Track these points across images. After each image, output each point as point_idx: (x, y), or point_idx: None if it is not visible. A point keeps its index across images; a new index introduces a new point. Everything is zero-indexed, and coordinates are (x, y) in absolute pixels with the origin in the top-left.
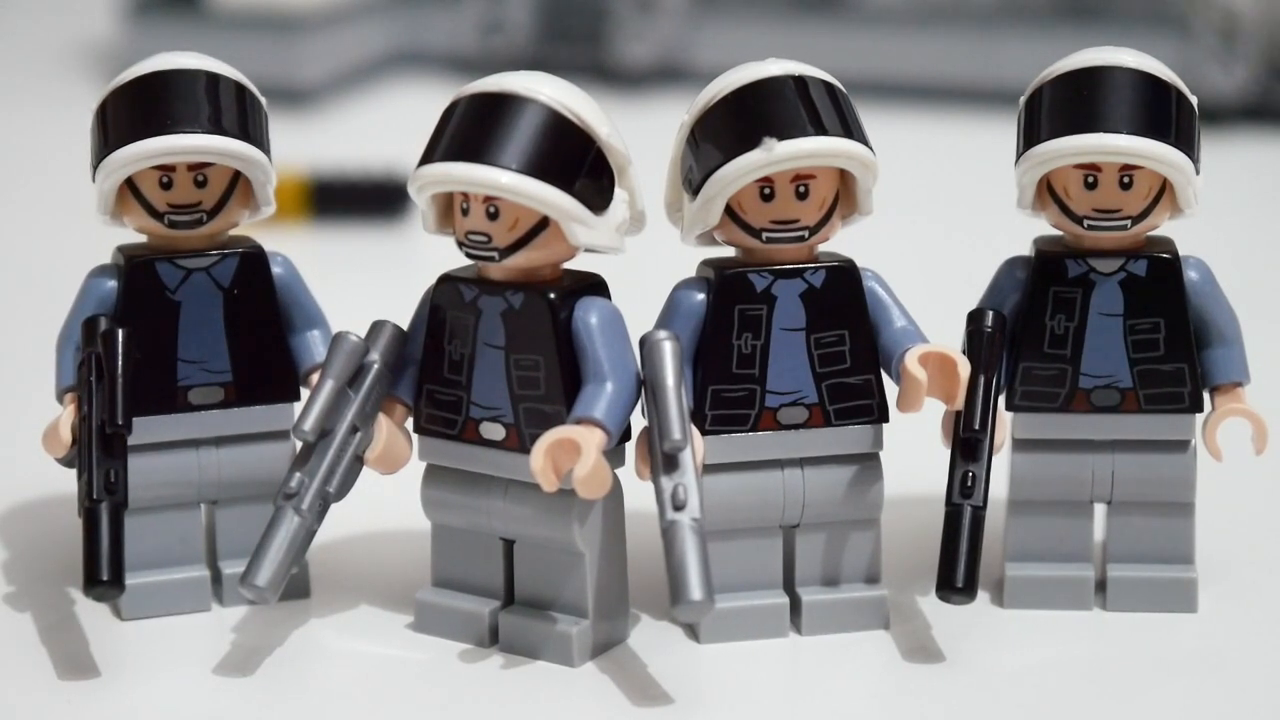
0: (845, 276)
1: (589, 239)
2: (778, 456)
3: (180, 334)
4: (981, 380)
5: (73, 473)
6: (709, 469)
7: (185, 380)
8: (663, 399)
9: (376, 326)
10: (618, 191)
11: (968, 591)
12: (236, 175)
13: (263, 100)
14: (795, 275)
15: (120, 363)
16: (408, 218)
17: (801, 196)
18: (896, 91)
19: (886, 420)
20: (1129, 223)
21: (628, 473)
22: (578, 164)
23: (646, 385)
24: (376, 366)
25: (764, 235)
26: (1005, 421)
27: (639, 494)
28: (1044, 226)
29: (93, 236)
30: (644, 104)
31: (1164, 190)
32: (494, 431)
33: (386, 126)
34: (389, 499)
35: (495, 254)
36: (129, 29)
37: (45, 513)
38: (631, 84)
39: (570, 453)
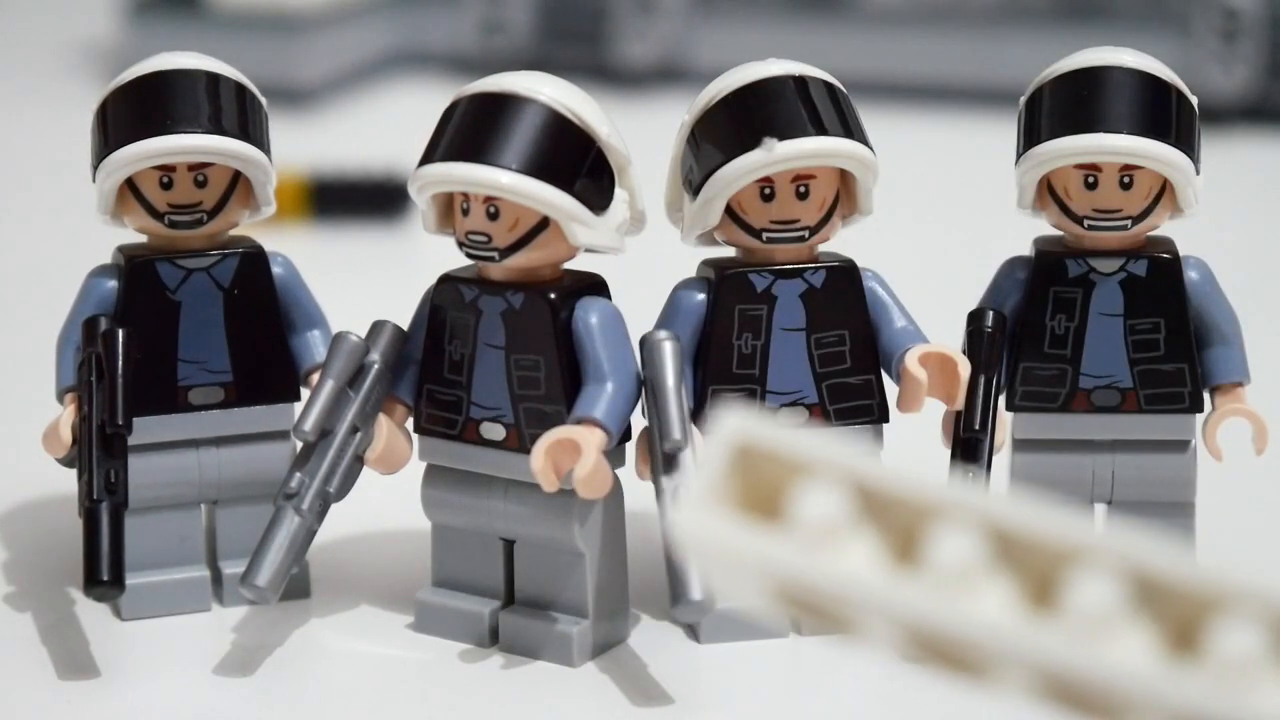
0: (845, 276)
1: (589, 239)
2: None
3: (180, 334)
4: (981, 380)
5: (73, 473)
6: None
7: (185, 380)
8: (663, 399)
9: (376, 326)
10: (618, 191)
11: None
12: (236, 175)
13: (263, 100)
14: (795, 275)
15: (120, 363)
16: (408, 218)
17: (802, 196)
18: (896, 91)
19: (886, 420)
20: (1129, 223)
21: (628, 473)
22: (578, 164)
23: (647, 385)
24: (377, 366)
25: (764, 235)
26: (1005, 421)
27: (639, 494)
28: (1044, 226)
29: (93, 236)
30: (644, 104)
31: (1164, 190)
32: (494, 431)
33: (386, 126)
34: (389, 499)
35: (495, 254)
36: (129, 29)
37: (45, 513)
38: (631, 84)
39: (570, 453)
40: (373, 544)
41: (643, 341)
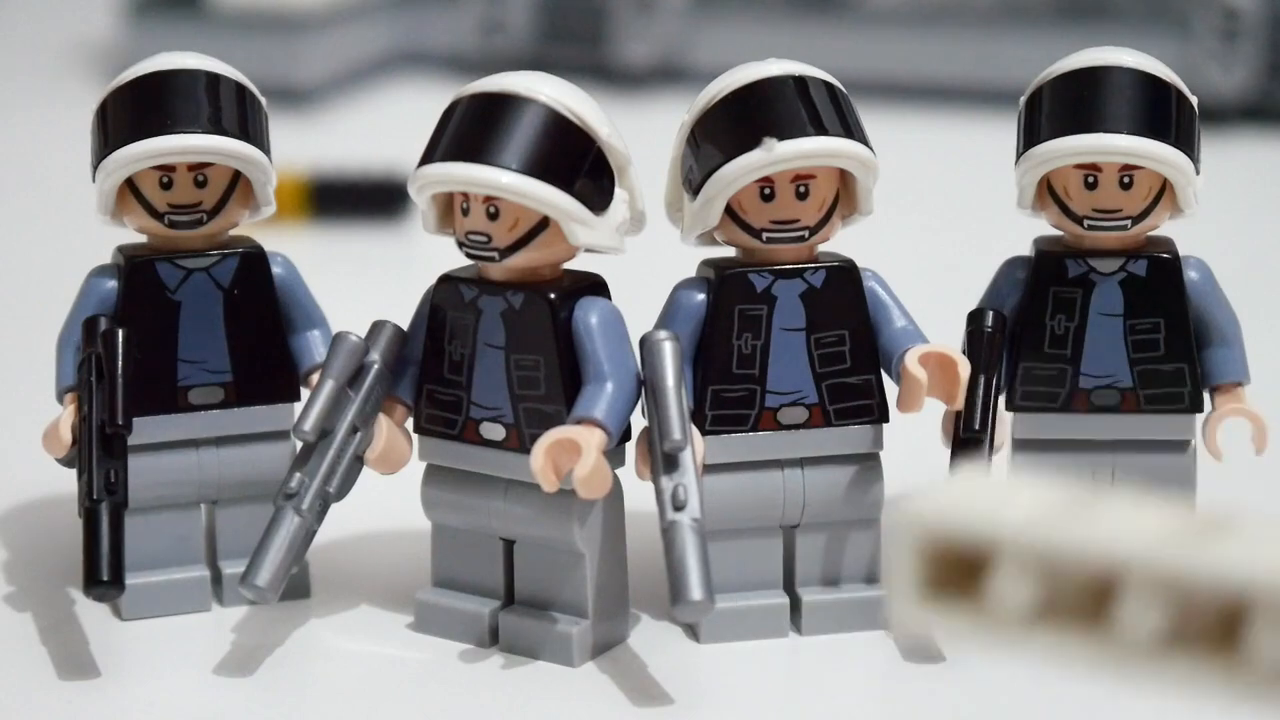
0: (845, 276)
1: (589, 239)
2: (778, 457)
3: (180, 334)
4: (981, 380)
5: (73, 473)
6: (709, 469)
7: (185, 380)
8: (663, 399)
9: (376, 326)
10: (618, 192)
11: None
12: (236, 175)
13: (263, 100)
14: (795, 275)
15: (120, 363)
16: (408, 218)
17: (802, 196)
18: (896, 91)
19: (886, 420)
20: (1129, 223)
21: (628, 473)
22: (578, 164)
23: (646, 385)
24: (377, 367)
25: (764, 235)
26: (1005, 421)
27: (639, 494)
28: (1044, 226)
29: (93, 236)
30: (644, 104)
31: (1164, 190)
32: (494, 431)
33: (386, 126)
34: (389, 499)
35: (495, 254)
36: (129, 29)
37: (45, 513)
38: (631, 84)
39: (570, 453)
40: (373, 544)
41: (643, 341)
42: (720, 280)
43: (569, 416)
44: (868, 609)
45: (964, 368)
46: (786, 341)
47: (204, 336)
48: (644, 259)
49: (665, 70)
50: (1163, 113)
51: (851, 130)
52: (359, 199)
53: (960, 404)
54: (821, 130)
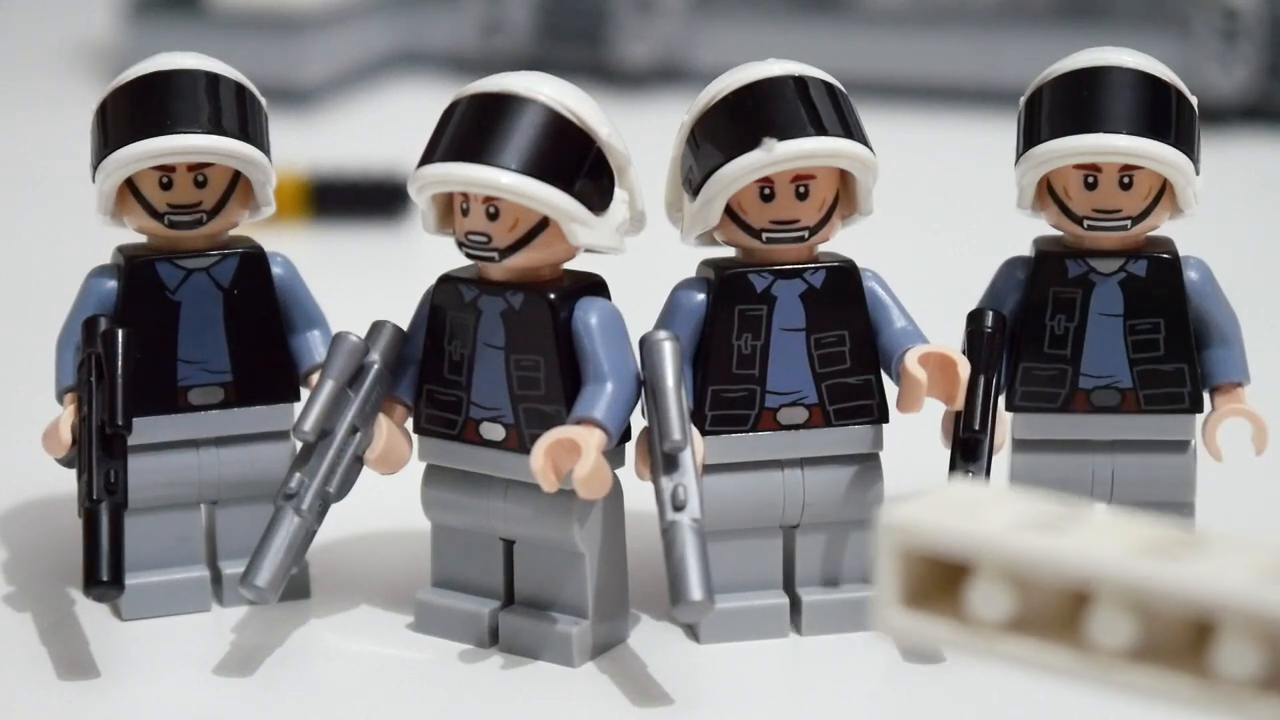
0: (845, 277)
1: (589, 239)
2: (778, 457)
3: (180, 334)
4: (981, 380)
5: (73, 473)
6: (709, 469)
7: (185, 380)
8: (663, 399)
9: (376, 327)
10: (618, 192)
11: None
12: (236, 175)
13: (263, 100)
14: (795, 275)
15: (120, 363)
16: (408, 218)
17: (801, 197)
18: (896, 91)
19: (886, 420)
20: (1129, 223)
21: (628, 473)
22: (578, 164)
23: (646, 385)
24: (376, 367)
25: (764, 235)
26: (1005, 421)
27: (639, 494)
28: (1044, 226)
29: (93, 236)
30: (644, 104)
31: (1164, 190)
32: (494, 432)
33: (386, 126)
34: (389, 499)
35: (495, 254)
36: (129, 29)
37: (45, 513)
38: (631, 84)
39: (570, 453)
40: (373, 544)
41: (642, 341)
42: (720, 280)
43: (569, 417)
44: (868, 609)
45: (964, 368)
46: (786, 342)
47: (204, 337)
48: (644, 259)
49: (665, 70)
50: (1163, 113)
51: (851, 130)
52: (359, 199)
53: (960, 404)
54: (821, 130)
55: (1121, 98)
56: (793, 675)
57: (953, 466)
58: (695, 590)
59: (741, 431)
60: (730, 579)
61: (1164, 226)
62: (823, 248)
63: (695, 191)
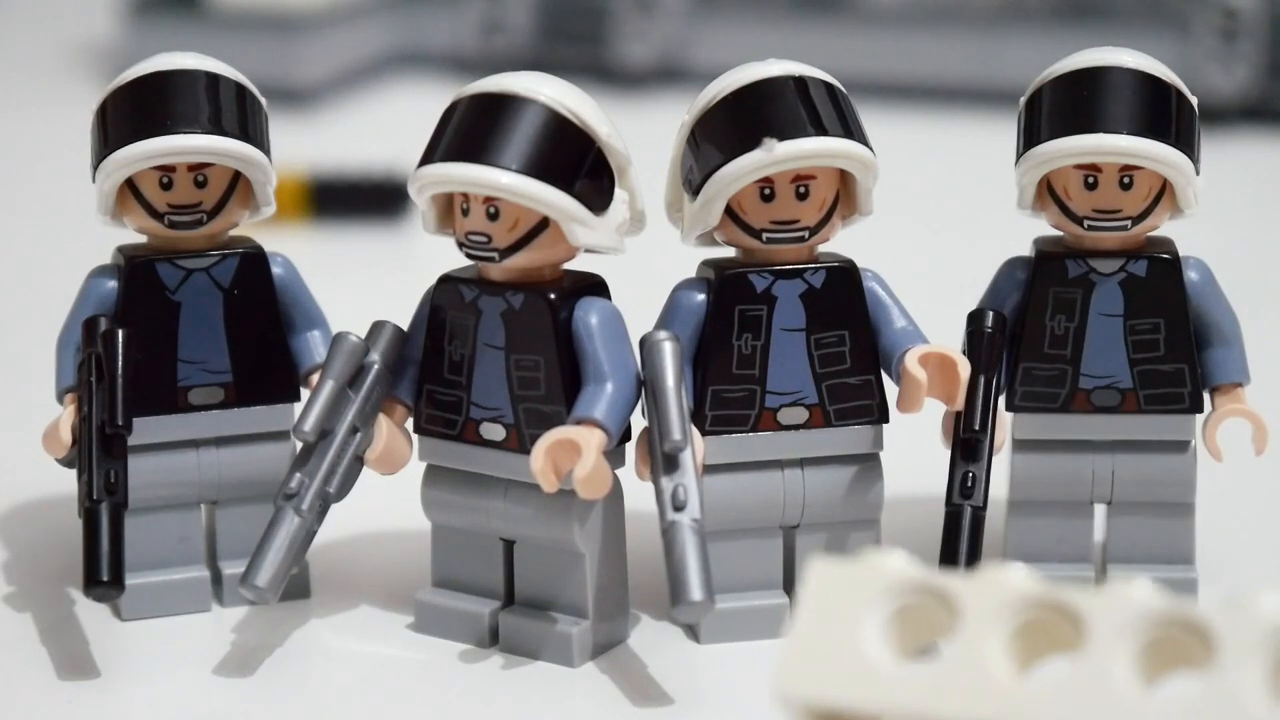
0: (845, 277)
1: (589, 239)
2: (778, 457)
3: (180, 334)
4: (981, 381)
5: (73, 473)
6: (709, 469)
7: (185, 380)
8: (663, 399)
9: (376, 327)
10: (618, 192)
11: None
12: (236, 175)
13: (263, 101)
14: (795, 276)
15: (120, 363)
16: (408, 218)
17: (802, 197)
18: (896, 91)
19: (886, 421)
20: (1129, 223)
21: (628, 473)
22: (578, 164)
23: (646, 385)
24: (377, 367)
25: (764, 236)
26: (1005, 422)
27: (639, 494)
28: (1044, 226)
29: (93, 236)
30: (644, 104)
31: (1164, 190)
32: (494, 432)
33: (386, 126)
34: (389, 499)
35: (495, 254)
36: (129, 29)
37: (45, 513)
38: (631, 84)
39: (570, 453)
40: (373, 544)
41: (643, 341)
42: (720, 280)
43: (569, 417)
44: None
45: (964, 368)
46: (786, 342)
47: (204, 337)
48: (644, 259)
49: (665, 70)
50: (1163, 113)
51: (851, 130)
52: (359, 199)
53: (960, 404)
54: (821, 130)
55: (1121, 98)
56: None
57: (953, 466)
58: (695, 590)
59: (741, 431)
60: (730, 579)
61: (1164, 226)
62: (823, 248)
63: (695, 192)
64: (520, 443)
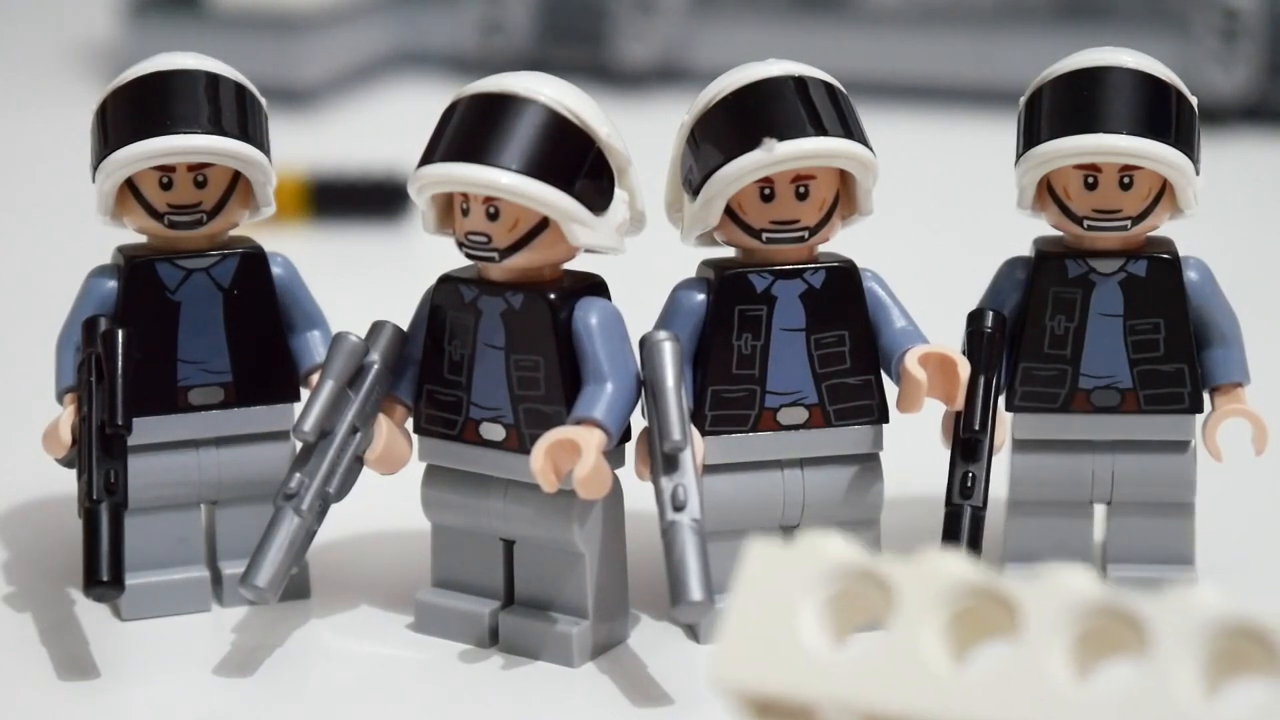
0: (845, 277)
1: (589, 239)
2: (778, 457)
3: (180, 334)
4: (981, 381)
5: (73, 473)
6: (709, 469)
7: (185, 381)
8: (663, 399)
9: (376, 327)
10: (618, 192)
11: None
12: (236, 176)
13: (263, 101)
14: (795, 276)
15: (120, 363)
16: (408, 218)
17: (801, 197)
18: (896, 91)
19: (886, 421)
20: (1129, 223)
21: (628, 473)
22: (578, 164)
23: (646, 386)
24: (376, 367)
25: (764, 236)
26: (1005, 422)
27: (639, 494)
28: (1044, 226)
29: (93, 236)
30: (644, 104)
31: (1164, 191)
32: (494, 432)
33: (386, 126)
34: (389, 499)
35: (495, 254)
36: (129, 29)
37: (45, 513)
38: (631, 84)
39: (570, 453)
40: (373, 544)
41: (643, 341)
42: (720, 280)
43: (569, 417)
44: None
45: (964, 368)
46: (786, 342)
47: (204, 337)
48: (644, 259)
49: (665, 70)
50: (1163, 113)
51: (851, 130)
52: (359, 199)
53: (960, 404)
54: (821, 131)
55: (1121, 98)
56: None
57: (953, 466)
58: (695, 590)
59: (741, 432)
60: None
61: (1164, 226)
62: (823, 248)
63: (695, 191)
64: (520, 443)
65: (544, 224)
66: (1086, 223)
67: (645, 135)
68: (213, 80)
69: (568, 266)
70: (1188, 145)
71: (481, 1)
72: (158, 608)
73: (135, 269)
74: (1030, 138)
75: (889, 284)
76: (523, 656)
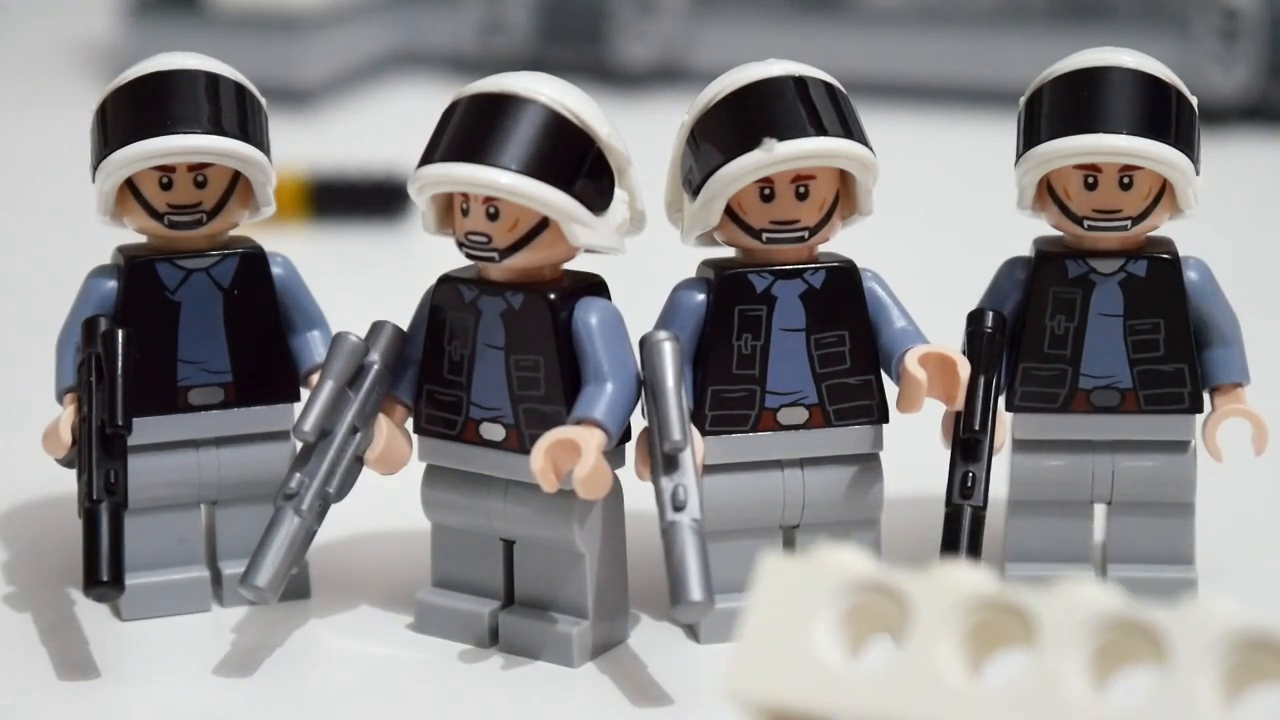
0: (845, 277)
1: (589, 239)
2: (778, 457)
3: (180, 334)
4: (981, 381)
5: (73, 473)
6: (709, 469)
7: (185, 381)
8: (663, 399)
9: (376, 327)
10: (618, 192)
11: None
12: (236, 175)
13: (263, 101)
14: (795, 276)
15: (120, 363)
16: (408, 218)
17: (801, 197)
18: (896, 91)
19: (886, 421)
20: (1129, 223)
21: (628, 473)
22: (578, 164)
23: (646, 386)
24: (376, 367)
25: (764, 236)
26: (1005, 422)
27: (639, 494)
28: (1044, 226)
29: (93, 236)
30: (644, 104)
31: (1164, 191)
32: (494, 432)
33: (386, 126)
34: (389, 499)
35: (495, 254)
36: (129, 29)
37: (45, 513)
38: (631, 84)
39: (570, 453)
40: (373, 544)
41: (643, 342)
42: (720, 281)
43: (569, 417)
44: None
45: (964, 368)
46: (786, 342)
47: (204, 337)
48: (644, 259)
49: (665, 70)
50: (1162, 113)
51: (851, 130)
52: (359, 199)
53: (960, 404)
54: (821, 131)
55: (1121, 98)
56: None
57: (953, 466)
58: (695, 590)
59: (741, 432)
60: (730, 579)
61: (1164, 226)
62: (823, 248)
63: (695, 192)
64: (520, 443)
65: (544, 224)
66: (1086, 223)
67: (645, 135)
68: (213, 80)
69: (568, 266)
70: (1188, 145)
71: (481, 1)
72: (158, 608)
73: (135, 269)
74: (1030, 138)
75: (889, 284)
76: (523, 656)
